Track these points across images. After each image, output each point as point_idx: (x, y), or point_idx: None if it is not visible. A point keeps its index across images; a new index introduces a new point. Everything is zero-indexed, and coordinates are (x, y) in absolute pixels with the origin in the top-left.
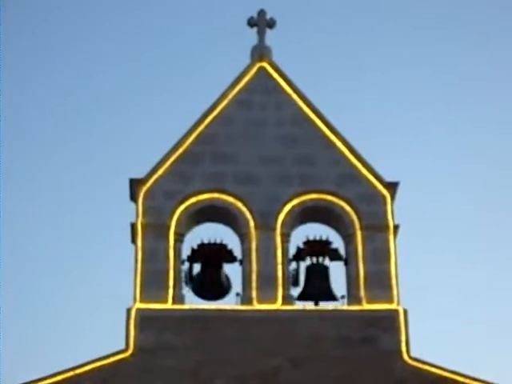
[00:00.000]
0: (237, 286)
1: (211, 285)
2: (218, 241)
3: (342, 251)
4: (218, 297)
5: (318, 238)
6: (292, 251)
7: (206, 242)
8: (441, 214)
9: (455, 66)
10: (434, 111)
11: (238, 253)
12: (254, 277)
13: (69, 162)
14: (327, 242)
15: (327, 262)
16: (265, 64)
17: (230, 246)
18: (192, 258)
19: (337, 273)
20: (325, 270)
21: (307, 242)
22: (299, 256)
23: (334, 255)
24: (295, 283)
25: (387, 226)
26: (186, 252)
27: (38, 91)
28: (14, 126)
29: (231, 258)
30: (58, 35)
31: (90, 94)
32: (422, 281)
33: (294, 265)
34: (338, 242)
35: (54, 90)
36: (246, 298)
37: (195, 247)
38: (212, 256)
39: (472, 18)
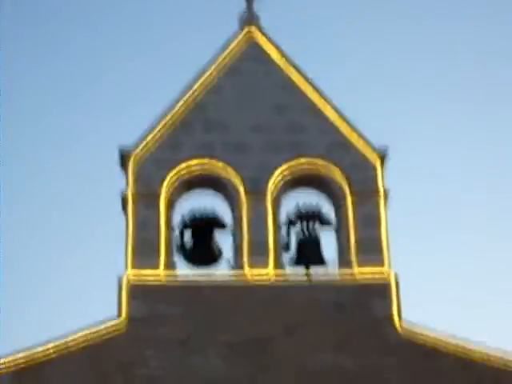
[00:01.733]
0: (228, 253)
1: (202, 251)
2: (209, 209)
3: (333, 217)
4: (208, 263)
5: (308, 205)
6: (283, 217)
7: (196, 212)
8: (431, 178)
9: (446, 31)
10: (423, 76)
11: (228, 220)
12: (245, 244)
13: (58, 130)
14: (317, 210)
15: (317, 226)
16: (253, 30)
17: (220, 214)
18: (182, 226)
19: (328, 239)
20: (315, 236)
21: (297, 211)
22: (290, 222)
23: (325, 221)
24: (286, 249)
25: (377, 192)
26: (177, 219)
27: (29, 55)
28: (6, 90)
29: (222, 226)
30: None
31: (80, 62)
32: (414, 245)
33: (284, 231)
34: (328, 209)
35: (44, 54)
36: (237, 265)
37: (186, 217)
38: (202, 225)
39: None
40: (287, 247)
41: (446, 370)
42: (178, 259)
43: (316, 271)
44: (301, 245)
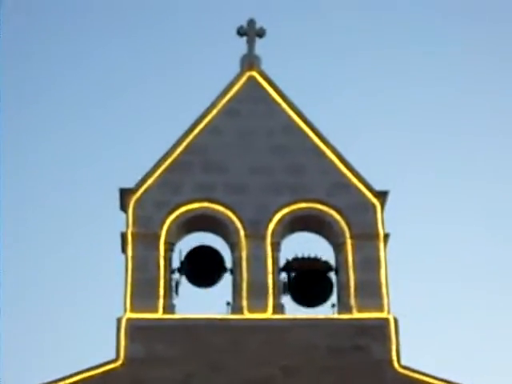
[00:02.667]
0: (227, 295)
1: (204, 272)
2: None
3: (333, 260)
4: (211, 283)
5: (306, 255)
6: (283, 260)
7: (195, 249)
8: (431, 223)
9: (449, 73)
10: (423, 120)
11: (228, 262)
12: (244, 286)
13: (59, 171)
14: (316, 259)
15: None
16: (254, 73)
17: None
18: (182, 269)
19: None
20: (315, 278)
21: (296, 259)
22: (289, 267)
23: (324, 267)
24: (286, 292)
25: (377, 235)
26: (176, 261)
27: (32, 88)
28: (9, 128)
29: (222, 268)
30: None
31: (82, 102)
32: (413, 289)
33: (284, 275)
34: (328, 252)
35: (49, 95)
36: (236, 307)
37: (183, 258)
38: (203, 264)
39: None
40: (287, 291)
41: None
42: (177, 301)
43: (315, 315)
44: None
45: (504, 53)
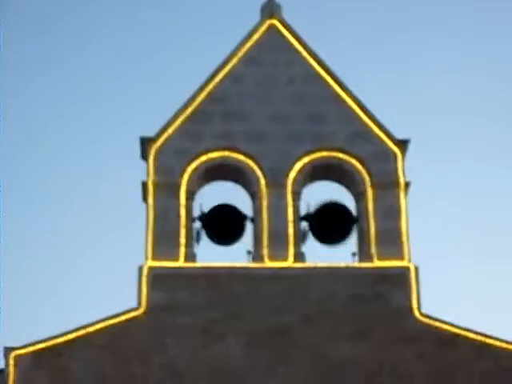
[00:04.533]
0: (248, 243)
1: (224, 228)
2: (229, 201)
3: (353, 209)
4: (231, 242)
5: (328, 201)
6: (303, 209)
7: (216, 204)
8: (452, 171)
9: (470, 28)
10: (444, 69)
11: (248, 211)
12: (265, 235)
13: (80, 121)
14: (336, 203)
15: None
16: (275, 21)
17: (240, 205)
18: (203, 219)
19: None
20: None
21: (319, 209)
22: (309, 216)
23: (346, 216)
24: (306, 239)
25: (398, 184)
26: (196, 210)
27: (46, 48)
28: (17, 84)
29: (242, 217)
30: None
31: (102, 53)
32: (434, 238)
33: (304, 223)
34: (349, 200)
35: (64, 47)
36: (257, 256)
37: (205, 211)
38: (223, 216)
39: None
40: (304, 238)
41: (464, 360)
42: (198, 250)
43: (336, 263)
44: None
45: None
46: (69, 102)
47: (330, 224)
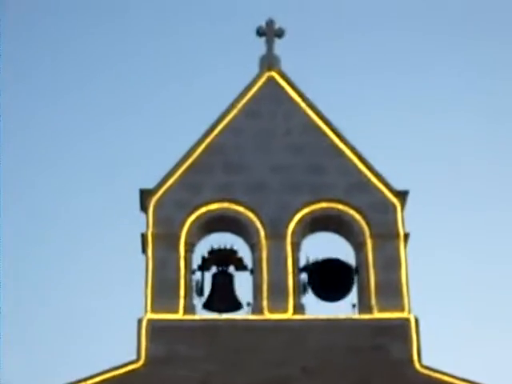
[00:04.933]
0: (248, 295)
1: (223, 298)
2: (229, 247)
3: (352, 260)
4: (230, 310)
5: (326, 257)
6: (303, 260)
7: (216, 248)
8: (452, 222)
9: (465, 70)
10: (443, 117)
11: (248, 262)
12: (264, 286)
13: (79, 172)
14: (337, 261)
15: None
16: (273, 73)
17: (240, 255)
18: (203, 267)
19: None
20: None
21: (316, 262)
22: (308, 268)
23: (345, 268)
24: (306, 291)
25: (397, 235)
26: (196, 262)
27: (43, 92)
28: (17, 128)
29: (242, 266)
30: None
31: (103, 103)
32: (434, 289)
33: (304, 275)
34: (348, 251)
35: (64, 95)
36: (256, 308)
37: (206, 255)
38: (223, 262)
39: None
40: (304, 290)
41: None
42: (198, 302)
43: (336, 315)
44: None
45: None
46: (67, 151)
47: (330, 282)
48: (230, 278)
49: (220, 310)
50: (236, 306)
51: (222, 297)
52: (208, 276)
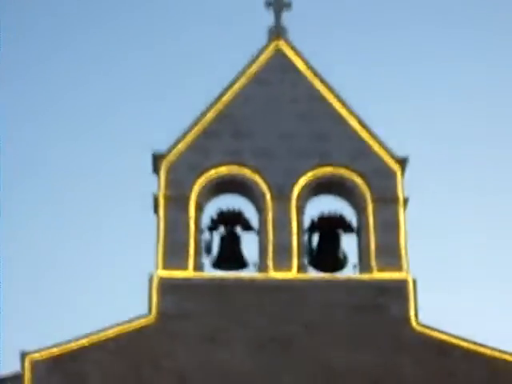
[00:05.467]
0: (254, 255)
1: (230, 257)
2: (237, 209)
3: (354, 222)
4: (236, 268)
5: (331, 212)
6: (307, 222)
7: (224, 209)
8: (450, 187)
9: (472, 48)
10: (446, 85)
11: (255, 224)
12: (270, 247)
13: (95, 137)
14: (340, 217)
15: (340, 233)
16: (281, 43)
17: (247, 216)
18: (212, 227)
19: (350, 243)
20: (336, 239)
21: (321, 218)
22: (313, 228)
23: (347, 228)
24: (309, 253)
25: (397, 199)
26: (205, 222)
27: (63, 69)
28: (29, 110)
29: (248, 226)
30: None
31: (116, 75)
32: (433, 251)
33: (307, 236)
34: (350, 214)
35: (82, 63)
36: (262, 267)
37: (214, 216)
38: (230, 223)
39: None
40: (310, 252)
41: (459, 366)
42: (206, 260)
43: (337, 275)
44: (321, 248)
45: None
46: (85, 117)
47: (327, 255)
48: (237, 238)
49: (227, 268)
50: (242, 264)
51: (230, 256)
52: (217, 236)
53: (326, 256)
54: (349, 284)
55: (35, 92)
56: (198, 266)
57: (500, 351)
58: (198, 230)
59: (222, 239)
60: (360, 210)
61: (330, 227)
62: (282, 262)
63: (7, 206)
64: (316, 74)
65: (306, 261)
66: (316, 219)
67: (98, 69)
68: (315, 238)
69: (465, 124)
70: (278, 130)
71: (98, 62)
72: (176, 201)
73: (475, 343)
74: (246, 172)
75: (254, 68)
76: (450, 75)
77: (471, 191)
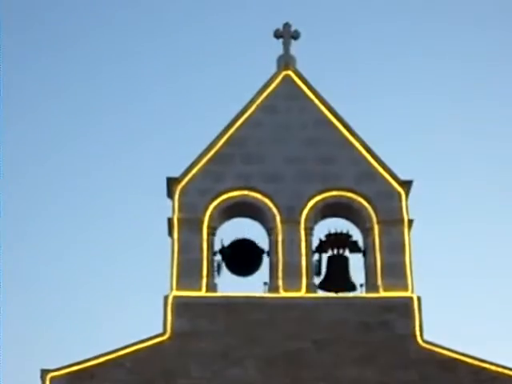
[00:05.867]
0: (265, 275)
1: (243, 260)
2: (247, 236)
3: (361, 243)
4: (248, 273)
5: (338, 231)
6: (315, 244)
7: (236, 239)
8: (455, 209)
9: (472, 66)
10: (445, 114)
11: (265, 245)
12: (280, 267)
13: (113, 165)
14: (347, 235)
15: (347, 253)
16: (290, 72)
17: (257, 239)
18: (223, 252)
19: (356, 263)
20: (345, 261)
21: (329, 235)
22: (321, 248)
23: (354, 247)
24: (318, 273)
25: (402, 221)
26: (217, 244)
27: (65, 92)
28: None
29: (260, 251)
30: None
31: (135, 106)
32: (437, 271)
33: (316, 256)
34: (356, 236)
35: (102, 94)
36: (272, 287)
37: (225, 244)
38: (242, 250)
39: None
40: (318, 272)
41: (464, 382)
42: (219, 281)
43: (345, 294)
44: (331, 270)
45: None
46: (105, 147)
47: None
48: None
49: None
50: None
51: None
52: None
53: (336, 279)
54: (356, 302)
55: (54, 122)
56: (211, 286)
57: (504, 367)
58: (211, 252)
59: (330, 260)
60: (366, 231)
61: (338, 246)
62: (292, 281)
63: (32, 225)
64: (323, 101)
65: (314, 280)
66: (324, 237)
67: (117, 102)
68: (324, 261)
69: (467, 145)
70: (287, 155)
71: (117, 94)
72: (189, 223)
73: (480, 359)
74: (257, 196)
75: (264, 96)
76: (454, 103)
77: (473, 210)
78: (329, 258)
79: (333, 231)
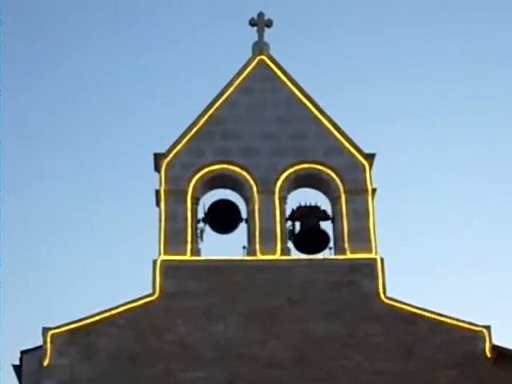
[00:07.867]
0: (243, 240)
1: (224, 222)
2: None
3: (330, 211)
4: (230, 230)
5: (308, 204)
6: (288, 212)
7: (216, 202)
8: (416, 179)
9: (434, 42)
10: (406, 89)
11: (243, 213)
12: (257, 233)
13: (105, 140)
14: (316, 207)
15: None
16: (264, 57)
17: (236, 206)
18: (206, 219)
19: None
20: (316, 222)
21: (299, 207)
22: (294, 216)
23: (323, 216)
24: (291, 238)
25: (366, 190)
26: (200, 213)
27: (72, 72)
28: (44, 111)
29: (239, 217)
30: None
31: (122, 84)
32: (399, 234)
33: (289, 223)
34: (326, 204)
35: (91, 68)
36: (250, 250)
37: (206, 210)
38: (223, 215)
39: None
40: (292, 237)
41: (422, 334)
42: (202, 246)
43: (315, 256)
44: (303, 229)
45: None
46: (94, 123)
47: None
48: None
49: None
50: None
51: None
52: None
53: (308, 239)
54: (325, 264)
55: (44, 94)
56: (195, 251)
57: (459, 320)
58: (195, 220)
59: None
60: (334, 200)
61: (308, 214)
62: (268, 246)
63: (25, 194)
64: (294, 83)
65: (288, 244)
66: (296, 209)
67: (106, 78)
68: (297, 224)
69: (429, 120)
70: (262, 132)
71: (107, 68)
72: (175, 194)
73: (437, 313)
74: (235, 169)
75: (241, 78)
76: (420, 73)
77: (431, 177)
78: (301, 220)
79: (303, 204)
